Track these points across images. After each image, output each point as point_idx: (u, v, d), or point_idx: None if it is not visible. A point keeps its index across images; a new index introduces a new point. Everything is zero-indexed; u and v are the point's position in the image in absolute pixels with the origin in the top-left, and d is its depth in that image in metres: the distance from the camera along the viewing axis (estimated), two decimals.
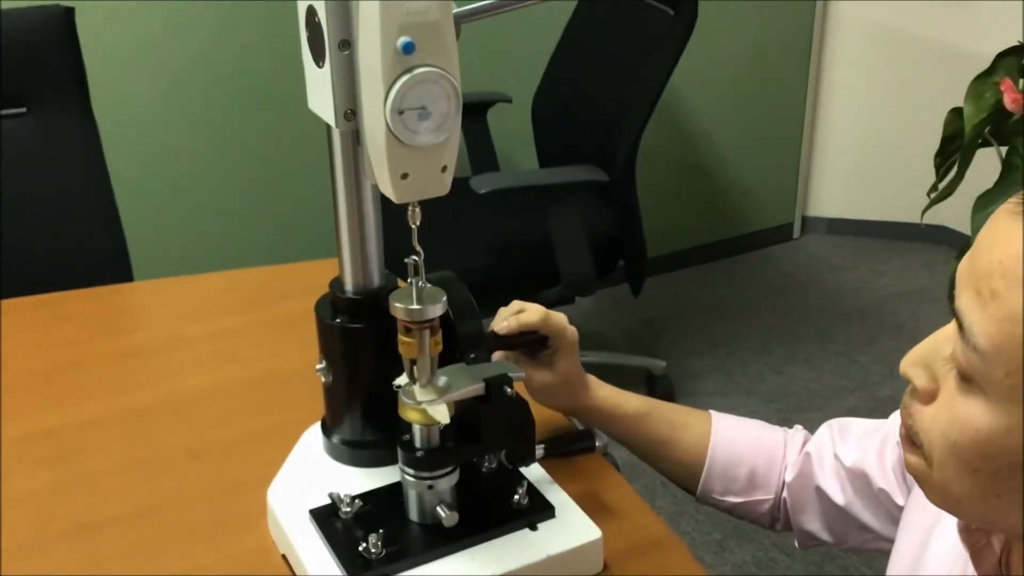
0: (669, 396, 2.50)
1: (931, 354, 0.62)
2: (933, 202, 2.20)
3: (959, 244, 2.75)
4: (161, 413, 1.11)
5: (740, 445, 0.99)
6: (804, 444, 0.99)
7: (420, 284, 0.80)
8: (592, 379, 0.99)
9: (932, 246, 3.23)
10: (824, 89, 3.29)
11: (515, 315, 0.93)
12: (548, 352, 0.94)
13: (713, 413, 1.02)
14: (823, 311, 2.95)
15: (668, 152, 3.03)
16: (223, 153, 2.48)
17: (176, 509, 0.96)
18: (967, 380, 0.57)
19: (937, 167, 2.20)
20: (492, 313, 0.96)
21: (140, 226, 1.85)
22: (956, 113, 2.09)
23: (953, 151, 2.13)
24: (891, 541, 0.91)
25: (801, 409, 2.47)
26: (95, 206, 1.58)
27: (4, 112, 1.51)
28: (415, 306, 0.79)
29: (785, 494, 0.98)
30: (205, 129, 2.44)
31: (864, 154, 3.33)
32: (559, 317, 0.93)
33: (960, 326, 0.57)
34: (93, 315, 1.32)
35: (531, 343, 0.94)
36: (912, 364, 0.63)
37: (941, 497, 0.62)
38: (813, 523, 0.97)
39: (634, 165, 2.20)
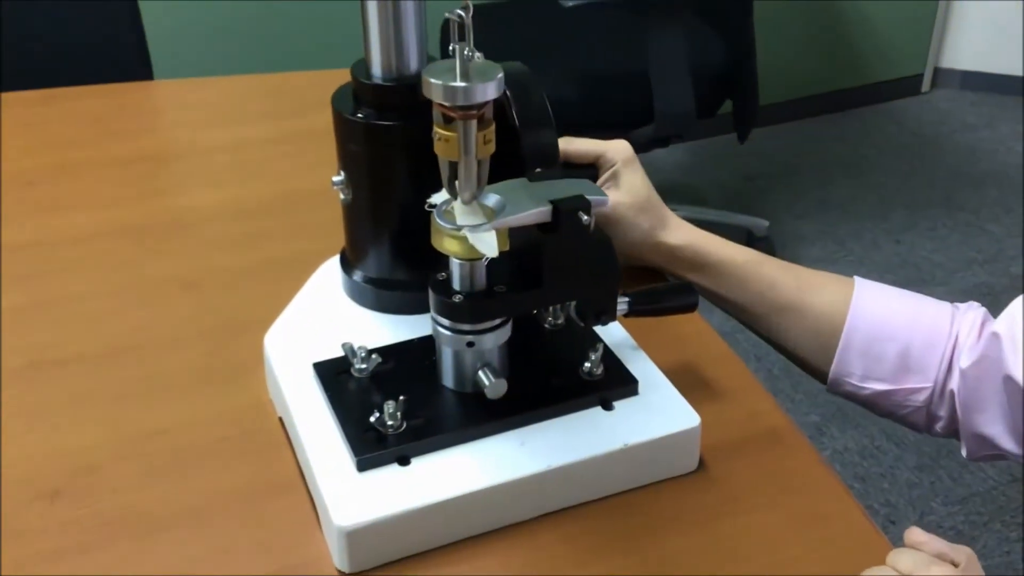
0: None
1: None
2: None
3: None
4: (157, 232, 0.93)
5: (891, 315, 0.77)
6: (984, 323, 0.75)
7: (467, 53, 0.55)
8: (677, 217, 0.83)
9: None
10: None
11: None
12: (606, 177, 0.81)
13: (857, 278, 0.80)
14: (953, 175, 2.70)
15: None
16: None
17: (156, 349, 0.78)
18: None
19: None
20: None
21: (161, 21, 1.64)
22: None
23: None
24: None
25: (922, 283, 2.26)
26: None
27: None
28: (458, 83, 0.55)
29: (956, 385, 0.74)
30: None
31: None
32: (588, 141, 0.81)
33: None
34: (99, 114, 1.15)
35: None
36: None
37: None
38: (993, 425, 0.73)
39: None
